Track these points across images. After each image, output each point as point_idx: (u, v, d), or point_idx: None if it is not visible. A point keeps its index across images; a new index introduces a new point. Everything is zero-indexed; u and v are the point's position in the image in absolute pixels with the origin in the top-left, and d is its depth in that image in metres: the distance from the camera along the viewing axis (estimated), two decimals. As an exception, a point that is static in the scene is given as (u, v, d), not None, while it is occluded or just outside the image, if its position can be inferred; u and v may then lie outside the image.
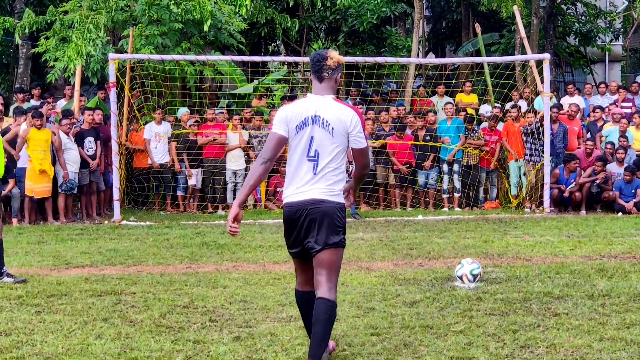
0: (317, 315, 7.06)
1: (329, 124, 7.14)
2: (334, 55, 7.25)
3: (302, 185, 7.19)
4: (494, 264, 12.71)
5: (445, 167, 21.81)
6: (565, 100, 24.21)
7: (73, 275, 11.97)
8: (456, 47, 37.46)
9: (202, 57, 22.30)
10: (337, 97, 7.34)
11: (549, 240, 15.48)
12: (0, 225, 11.81)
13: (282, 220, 17.77)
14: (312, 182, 7.17)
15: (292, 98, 24.91)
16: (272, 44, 35.62)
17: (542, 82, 21.25)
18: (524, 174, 21.26)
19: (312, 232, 7.17)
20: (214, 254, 14.11)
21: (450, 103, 22.83)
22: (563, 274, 11.76)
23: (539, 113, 21.27)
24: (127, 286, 11.12)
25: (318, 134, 7.15)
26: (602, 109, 23.51)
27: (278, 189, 21.95)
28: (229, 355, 7.70)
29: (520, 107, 22.12)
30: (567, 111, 22.47)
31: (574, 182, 20.86)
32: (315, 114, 7.17)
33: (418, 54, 28.24)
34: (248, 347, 8.00)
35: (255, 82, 25.23)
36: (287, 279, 11.64)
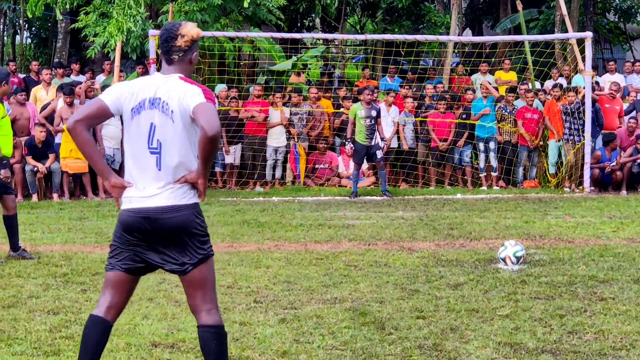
0: (205, 349, 5.92)
1: (169, 107, 5.69)
2: (186, 32, 5.81)
3: (145, 186, 5.76)
4: (536, 245, 12.66)
5: (481, 145, 21.70)
6: (606, 78, 23.95)
7: (117, 253, 12.01)
8: (494, 23, 37.13)
9: (242, 34, 22.28)
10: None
11: (590, 221, 15.36)
12: (14, 200, 11.91)
13: (320, 198, 17.90)
14: (157, 181, 5.74)
15: (330, 75, 24.90)
16: (308, 19, 35.55)
17: (583, 60, 21.08)
18: (564, 153, 21.12)
19: (167, 250, 5.80)
20: (254, 232, 14.15)
21: (487, 81, 22.65)
22: (607, 257, 11.67)
23: (579, 92, 21.05)
24: (170, 264, 11.15)
25: (158, 119, 5.73)
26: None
27: (317, 166, 21.96)
28: (276, 338, 7.70)
29: (562, 85, 21.92)
30: (610, 92, 22.17)
31: (615, 161, 20.68)
32: (154, 95, 5.75)
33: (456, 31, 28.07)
34: (294, 329, 8.00)
35: (294, 58, 25.18)
36: (329, 259, 11.64)
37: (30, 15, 24.66)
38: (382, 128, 20.19)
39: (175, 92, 5.66)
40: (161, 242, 5.76)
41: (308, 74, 25.20)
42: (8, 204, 11.78)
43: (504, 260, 11.08)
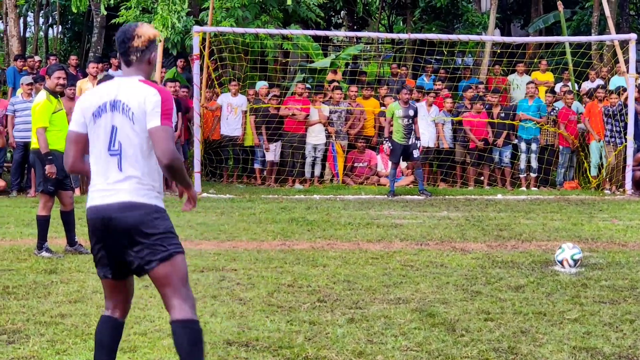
0: (177, 344, 5.84)
1: (129, 109, 5.72)
2: (143, 33, 5.88)
3: (106, 186, 5.76)
4: (589, 248, 12.59)
5: (523, 146, 21.65)
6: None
7: (171, 249, 12.04)
8: (524, 23, 37.01)
9: (285, 31, 22.33)
10: (153, 81, 5.99)
11: (639, 224, 15.31)
12: (71, 196, 11.98)
13: (362, 196, 17.95)
14: (119, 182, 5.73)
15: (362, 74, 24.89)
16: (336, 17, 35.56)
17: (625, 62, 21.02)
18: (604, 155, 21.05)
19: (131, 247, 5.74)
20: (304, 230, 14.16)
21: (533, 82, 22.57)
22: (663, 261, 11.65)
23: (622, 94, 20.97)
24: (227, 262, 11.20)
25: (119, 121, 5.75)
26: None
27: (355, 165, 21.98)
28: (349, 338, 7.70)
29: (607, 87, 21.83)
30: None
31: (657, 166, 20.62)
32: (115, 98, 5.79)
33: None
34: (364, 329, 7.99)
35: (332, 56, 25.20)
36: (384, 259, 11.64)
37: (75, 10, 24.77)
38: (419, 127, 20.17)
39: (135, 96, 5.71)
40: (121, 241, 5.73)
41: (345, 73, 25.15)
42: (65, 200, 11.85)
43: (561, 262, 11.04)
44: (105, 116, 5.76)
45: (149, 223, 5.67)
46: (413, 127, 19.70)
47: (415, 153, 19.82)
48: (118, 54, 6.13)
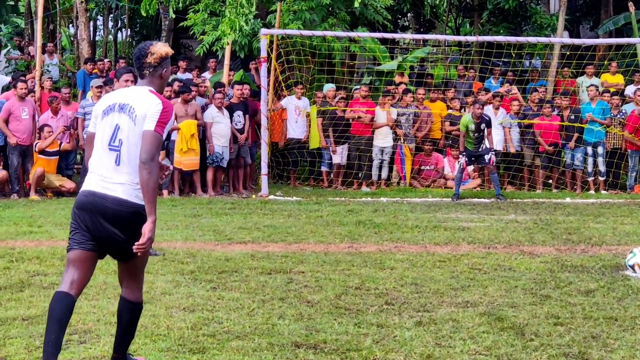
0: (120, 317, 6.85)
1: (134, 112, 6.41)
2: (156, 50, 6.59)
3: (104, 177, 6.45)
4: (660, 253, 12.42)
5: (589, 150, 21.42)
6: None
7: (238, 251, 12.13)
8: (593, 25, 36.60)
9: (352, 34, 22.34)
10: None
11: None
12: None
13: (428, 199, 17.88)
14: (115, 178, 6.41)
15: (429, 76, 24.81)
16: (402, 19, 35.48)
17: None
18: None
19: (115, 235, 6.44)
20: (371, 233, 14.14)
21: (594, 85, 22.33)
22: None
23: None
24: (294, 265, 11.21)
25: (123, 121, 6.44)
26: None
27: (422, 167, 21.93)
28: (417, 341, 7.67)
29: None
30: None
31: None
32: (124, 101, 6.51)
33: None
34: (432, 332, 7.96)
35: (399, 58, 25.16)
36: (452, 262, 11.59)
37: (144, 14, 25.04)
38: (492, 138, 20.15)
39: (141, 102, 6.44)
40: (106, 228, 6.42)
41: (412, 76, 25.09)
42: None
43: (632, 267, 10.90)
44: (113, 115, 6.50)
45: (135, 221, 6.37)
46: (484, 138, 19.68)
47: (487, 157, 19.74)
48: (135, 68, 6.76)
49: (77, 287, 6.52)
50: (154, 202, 6.32)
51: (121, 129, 6.42)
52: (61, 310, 6.39)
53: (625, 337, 7.86)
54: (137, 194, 6.37)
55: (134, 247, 6.29)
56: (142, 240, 6.30)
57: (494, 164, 19.85)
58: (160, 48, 6.62)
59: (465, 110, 22.09)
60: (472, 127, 19.44)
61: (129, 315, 6.77)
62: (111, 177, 6.40)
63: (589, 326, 8.24)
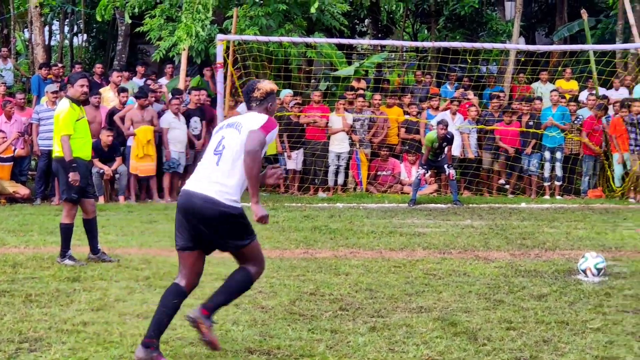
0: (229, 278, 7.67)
1: (241, 126, 7.27)
2: (262, 86, 7.48)
3: (201, 176, 7.30)
4: (613, 257, 12.54)
5: (547, 155, 21.60)
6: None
7: (193, 257, 12.07)
8: (548, 31, 36.91)
9: (309, 39, 22.37)
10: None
11: (663, 233, 15.28)
12: (93, 204, 12.04)
13: (385, 204, 17.94)
14: (212, 173, 7.22)
15: (385, 82, 24.89)
16: (360, 25, 35.55)
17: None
18: (629, 164, 20.95)
19: (210, 235, 7.28)
20: (327, 238, 14.16)
21: (556, 90, 22.53)
22: (688, 271, 11.60)
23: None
24: (249, 270, 11.18)
25: (228, 133, 7.31)
26: None
27: (379, 173, 21.99)
28: (370, 347, 7.69)
29: (623, 102, 21.72)
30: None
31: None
32: (233, 121, 7.44)
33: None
34: (386, 338, 7.98)
35: (356, 64, 25.22)
36: (407, 267, 11.63)
37: (99, 19, 24.87)
38: (451, 155, 20.41)
39: (250, 119, 7.30)
40: (194, 225, 7.20)
41: (368, 81, 25.15)
42: (87, 208, 11.88)
43: (584, 271, 11.01)
44: (221, 131, 7.40)
45: (219, 221, 7.16)
46: (444, 151, 19.92)
47: (447, 171, 19.95)
48: (245, 101, 7.63)
49: (188, 281, 7.42)
50: (256, 186, 7.19)
51: (225, 138, 7.26)
52: (167, 296, 7.30)
53: (576, 341, 7.93)
54: (226, 197, 7.12)
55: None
56: (255, 218, 7.29)
57: (453, 178, 20.01)
58: (266, 85, 7.52)
59: (420, 116, 22.21)
60: (436, 144, 19.66)
61: (238, 276, 7.58)
62: (209, 175, 7.19)
63: (540, 330, 8.31)
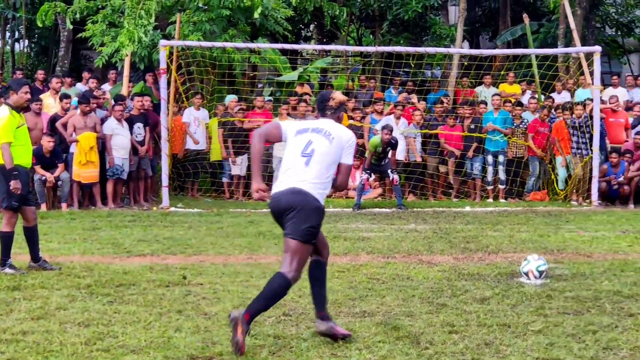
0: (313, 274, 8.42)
1: (330, 134, 7.99)
2: (336, 97, 8.25)
3: (292, 176, 7.97)
4: (555, 259, 12.66)
5: (490, 159, 21.76)
6: (609, 92, 24.03)
7: (136, 264, 12.03)
8: (492, 36, 37.17)
9: (252, 45, 22.35)
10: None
11: (604, 235, 15.42)
12: (34, 211, 11.92)
13: (329, 209, 17.90)
14: (303, 173, 7.91)
15: (330, 86, 24.94)
16: (305, 30, 35.59)
17: (591, 74, 21.19)
18: (571, 167, 21.16)
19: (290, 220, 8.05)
20: (271, 244, 14.12)
21: (498, 94, 22.72)
22: (628, 271, 11.72)
23: (587, 105, 21.10)
24: (193, 277, 11.15)
25: (317, 139, 7.97)
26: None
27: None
28: (313, 352, 7.69)
29: (564, 106, 21.96)
30: (614, 103, 22.29)
31: (623, 176, 20.76)
32: (317, 127, 8.08)
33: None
34: (329, 343, 7.97)
35: (300, 69, 25.24)
36: (350, 272, 11.63)
37: (40, 25, 24.64)
38: (395, 159, 20.50)
39: (337, 129, 8.07)
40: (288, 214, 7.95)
41: (312, 86, 25.18)
42: (28, 216, 11.74)
43: (526, 274, 11.09)
44: (306, 134, 7.99)
45: (309, 208, 7.92)
46: (387, 155, 19.98)
47: (391, 176, 20.03)
48: (316, 107, 8.52)
49: (322, 254, 8.47)
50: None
51: (314, 143, 7.91)
52: (272, 283, 8.07)
53: (517, 343, 7.98)
54: (317, 191, 7.90)
55: None
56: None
57: (397, 183, 20.10)
58: (339, 95, 8.30)
59: (364, 120, 22.27)
60: (379, 149, 19.72)
61: (319, 271, 8.37)
62: (300, 174, 7.87)
63: (482, 333, 8.36)
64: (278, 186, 8.03)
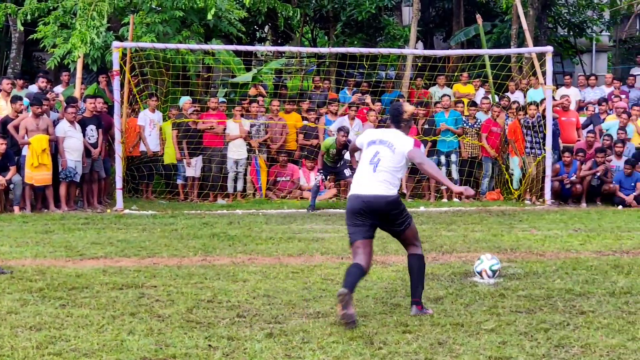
0: (411, 269, 9.54)
1: (393, 145, 9.30)
2: (407, 109, 9.57)
3: (365, 182, 9.30)
4: (508, 258, 12.75)
5: (442, 159, 21.86)
6: (562, 92, 24.26)
7: (89, 267, 11.94)
8: (446, 36, 37.34)
9: (206, 46, 22.29)
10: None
11: (557, 234, 15.55)
12: None
13: (284, 210, 18.02)
14: (372, 178, 9.25)
15: (284, 87, 24.94)
16: (260, 31, 35.55)
17: (543, 74, 21.36)
18: (525, 166, 21.32)
19: (382, 221, 9.45)
20: (225, 245, 14.09)
21: (448, 95, 22.84)
22: (580, 270, 11.82)
23: (541, 105, 21.27)
24: (147, 279, 11.09)
25: (382, 149, 9.34)
26: (606, 101, 23.57)
27: (278, 179, 22.01)
28: (267, 353, 7.69)
29: (519, 104, 22.16)
30: (563, 102, 22.52)
31: (575, 175, 20.96)
32: (383, 138, 9.43)
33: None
34: (283, 344, 7.99)
35: (254, 70, 25.21)
36: (305, 273, 11.64)
37: (-11, 26, 24.44)
38: (356, 160, 20.49)
39: (399, 139, 9.35)
40: (375, 216, 9.28)
41: (266, 88, 25.16)
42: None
43: (480, 273, 11.16)
44: (375, 146, 9.41)
45: (395, 205, 9.27)
46: (343, 157, 19.98)
47: (347, 172, 20.03)
48: (389, 119, 9.88)
49: (364, 261, 9.22)
50: (443, 177, 9.90)
51: (380, 153, 9.30)
52: (353, 271, 9.12)
53: (470, 342, 8.03)
54: (387, 189, 9.19)
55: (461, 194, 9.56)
56: (457, 190, 9.55)
57: (351, 176, 20.09)
58: (410, 108, 9.65)
59: (319, 121, 22.30)
60: (333, 150, 19.72)
61: (417, 264, 9.47)
62: (369, 179, 9.27)
63: (436, 333, 8.40)
64: (355, 188, 9.41)
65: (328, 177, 20.96)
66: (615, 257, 13.02)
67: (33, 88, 21.83)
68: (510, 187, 21.80)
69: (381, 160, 9.24)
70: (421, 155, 9.68)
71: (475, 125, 21.97)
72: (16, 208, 18.64)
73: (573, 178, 20.99)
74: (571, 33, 35.27)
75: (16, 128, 18.80)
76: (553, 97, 21.95)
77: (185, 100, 22.07)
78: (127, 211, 19.06)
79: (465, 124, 21.98)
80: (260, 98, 22.89)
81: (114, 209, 19.41)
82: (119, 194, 19.69)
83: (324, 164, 20.09)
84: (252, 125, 21.85)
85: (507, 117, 22.22)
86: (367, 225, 9.31)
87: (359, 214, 9.27)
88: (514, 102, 22.39)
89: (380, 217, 9.28)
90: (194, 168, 21.51)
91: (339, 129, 19.98)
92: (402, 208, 9.39)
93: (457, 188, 9.53)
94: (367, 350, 7.76)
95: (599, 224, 17.13)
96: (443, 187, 21.57)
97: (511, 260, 12.62)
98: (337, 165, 20.14)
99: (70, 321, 8.81)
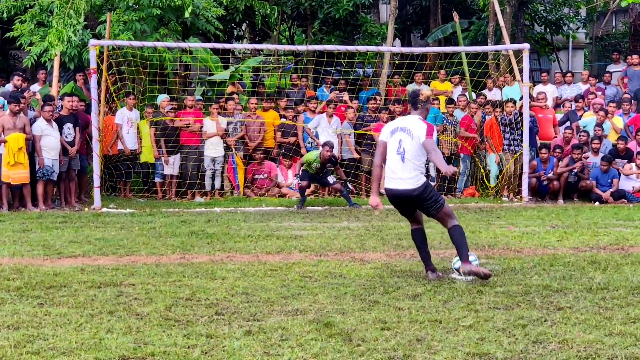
0: (454, 239, 11.01)
1: (411, 131, 10.61)
2: (424, 92, 10.95)
3: (396, 175, 10.75)
4: (486, 255, 12.81)
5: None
6: (539, 89, 24.37)
7: (67, 266, 11.90)
8: (423, 34, 37.42)
9: (183, 44, 22.28)
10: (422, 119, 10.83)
11: (534, 230, 15.63)
12: None
13: (262, 208, 18.01)
14: (402, 171, 10.72)
15: (262, 85, 24.95)
16: (237, 29, 35.55)
17: (520, 72, 21.43)
18: (502, 163, 21.39)
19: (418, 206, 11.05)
20: (204, 243, 14.09)
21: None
22: (557, 266, 11.87)
23: (519, 102, 21.37)
24: (125, 277, 11.07)
25: (404, 138, 10.65)
26: (582, 98, 23.71)
27: (256, 176, 22.01)
28: (245, 351, 7.68)
29: (494, 102, 22.24)
30: (540, 99, 22.65)
31: (552, 172, 21.06)
32: (404, 125, 10.74)
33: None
34: (261, 341, 7.98)
35: (232, 68, 25.19)
36: (283, 270, 11.64)
37: (-34, 24, 24.34)
38: (343, 174, 20.59)
39: (417, 126, 10.67)
40: (409, 205, 11.03)
41: (244, 85, 25.16)
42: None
43: (458, 270, 11.18)
44: (398, 134, 10.73)
45: (422, 195, 10.77)
46: (327, 170, 20.03)
47: (331, 179, 20.06)
48: (409, 102, 11.23)
49: (417, 222, 11.32)
50: (441, 163, 10.79)
51: (403, 141, 10.65)
52: (419, 238, 11.31)
53: (448, 339, 8.05)
54: (415, 181, 10.70)
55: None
56: (449, 171, 10.72)
57: (343, 190, 20.13)
58: (426, 91, 10.71)
59: (297, 119, 22.31)
60: (316, 165, 19.70)
61: (457, 233, 10.89)
62: (399, 172, 10.71)
63: (414, 329, 8.41)
64: (388, 182, 10.88)
65: (311, 185, 20.93)
66: (592, 253, 13.08)
67: (9, 87, 21.75)
68: (487, 183, 21.86)
69: (406, 150, 10.57)
70: (433, 146, 10.69)
71: (453, 123, 22.01)
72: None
73: (550, 175, 21.10)
74: (548, 30, 35.43)
75: (-8, 126, 18.72)
76: (530, 95, 22.02)
77: (162, 99, 22.05)
78: (105, 209, 19.02)
79: (445, 121, 22.02)
80: (235, 96, 22.85)
81: (92, 207, 19.38)
82: (96, 193, 19.64)
83: (306, 172, 20.01)
84: (229, 123, 21.84)
85: (484, 115, 22.28)
86: (407, 210, 11.12)
87: (396, 205, 11.13)
88: (489, 101, 22.45)
89: (413, 205, 10.94)
90: (171, 166, 21.49)
91: (324, 144, 19.97)
92: (431, 196, 10.73)
93: (444, 167, 10.68)
94: (345, 347, 7.77)
95: (576, 220, 17.21)
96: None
97: (489, 257, 12.67)
98: (321, 175, 20.09)
99: (48, 320, 8.77)
